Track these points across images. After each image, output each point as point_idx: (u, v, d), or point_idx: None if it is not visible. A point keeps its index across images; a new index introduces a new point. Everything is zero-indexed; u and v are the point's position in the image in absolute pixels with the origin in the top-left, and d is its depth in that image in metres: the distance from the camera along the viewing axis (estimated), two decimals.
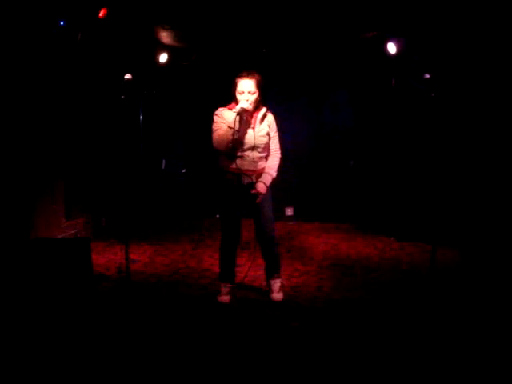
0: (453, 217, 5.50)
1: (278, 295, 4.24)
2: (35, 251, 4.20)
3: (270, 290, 4.28)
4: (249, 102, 3.97)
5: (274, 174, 4.13)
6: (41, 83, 5.11)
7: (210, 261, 5.40)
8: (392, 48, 6.16)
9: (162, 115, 7.65)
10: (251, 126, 4.06)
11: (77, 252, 4.24)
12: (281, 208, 7.48)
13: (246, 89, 3.99)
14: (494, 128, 5.17)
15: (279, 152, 4.19)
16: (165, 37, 6.50)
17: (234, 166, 4.03)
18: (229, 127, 3.90)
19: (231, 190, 4.08)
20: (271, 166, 4.12)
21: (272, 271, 4.28)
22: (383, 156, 6.93)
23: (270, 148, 4.15)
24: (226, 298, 4.21)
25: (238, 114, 3.91)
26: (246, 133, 4.02)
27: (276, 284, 4.27)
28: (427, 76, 4.22)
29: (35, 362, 3.12)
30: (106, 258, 5.44)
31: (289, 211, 7.54)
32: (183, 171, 8.00)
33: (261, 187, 4.02)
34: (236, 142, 3.94)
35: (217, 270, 4.98)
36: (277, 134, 4.19)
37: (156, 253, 5.74)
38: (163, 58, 6.93)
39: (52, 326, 3.61)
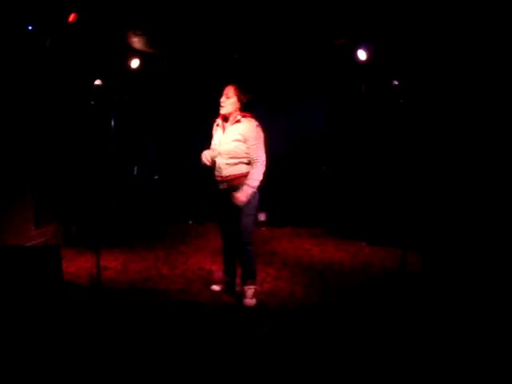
0: (420, 222, 5.59)
1: (250, 301, 4.26)
2: (3, 259, 4.12)
3: (242, 296, 4.30)
4: (222, 103, 4.23)
5: (254, 183, 4.12)
6: (9, 89, 5.03)
7: (183, 267, 5.38)
8: (362, 55, 6.25)
9: (134, 121, 7.60)
10: (221, 132, 4.28)
11: (46, 260, 4.16)
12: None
13: (225, 92, 4.27)
14: (461, 134, 5.28)
15: (260, 160, 4.14)
16: (136, 42, 6.47)
17: (213, 173, 4.32)
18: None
19: (213, 195, 4.40)
20: (250, 176, 4.13)
21: (246, 277, 4.33)
22: (355, 161, 7.01)
23: (250, 156, 4.14)
24: (216, 287, 4.58)
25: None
26: (215, 135, 4.35)
27: (249, 290, 4.30)
28: (396, 83, 4.29)
29: (2, 372, 3.06)
30: (76, 265, 5.36)
31: (261, 217, 7.55)
32: (155, 177, 7.95)
33: (237, 197, 4.10)
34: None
35: (189, 275, 5.00)
36: (257, 141, 4.15)
37: (128, 260, 5.68)
38: (135, 63, 6.89)
39: (21, 335, 3.54)
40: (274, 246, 6.38)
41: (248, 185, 4.10)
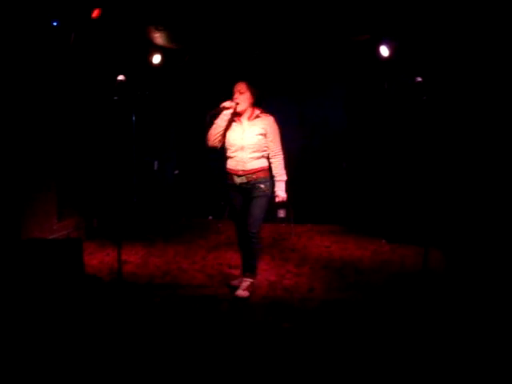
0: (442, 219, 5.53)
1: (242, 292, 4.31)
2: (27, 252, 4.19)
3: (238, 286, 4.39)
4: (236, 100, 4.25)
5: (284, 177, 4.36)
6: (34, 84, 5.10)
7: (202, 262, 5.40)
8: (385, 51, 6.19)
9: (155, 116, 7.65)
10: (241, 126, 4.28)
11: (68, 253, 4.22)
12: (273, 210, 7.49)
13: (237, 89, 4.29)
14: (485, 132, 5.21)
15: (280, 153, 4.34)
16: (158, 38, 6.50)
17: (228, 166, 4.38)
18: (215, 124, 4.29)
19: (228, 189, 4.41)
20: (277, 171, 4.34)
21: (246, 270, 4.43)
22: (376, 158, 6.96)
23: (270, 150, 4.31)
24: (235, 282, 4.54)
25: (221, 109, 4.23)
26: (232, 130, 4.30)
27: (245, 282, 4.37)
28: (419, 79, 4.26)
29: (27, 364, 3.11)
30: (98, 259, 5.42)
31: (281, 213, 7.55)
32: (176, 172, 8.00)
33: (278, 196, 4.33)
34: (219, 138, 4.29)
35: (209, 271, 5.02)
36: (277, 136, 4.33)
37: (148, 254, 5.73)
38: (156, 59, 6.93)
39: (44, 328, 3.59)
40: (293, 243, 6.37)
41: (280, 180, 4.32)
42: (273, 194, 4.36)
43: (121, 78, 4.19)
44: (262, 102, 4.42)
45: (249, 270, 4.41)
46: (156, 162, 7.77)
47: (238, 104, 4.25)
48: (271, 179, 4.34)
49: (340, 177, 7.55)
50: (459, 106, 5.53)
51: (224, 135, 4.31)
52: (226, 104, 4.23)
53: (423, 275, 4.24)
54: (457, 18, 5.15)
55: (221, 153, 4.46)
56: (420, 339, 3.49)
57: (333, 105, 7.54)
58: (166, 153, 7.92)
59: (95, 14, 5.11)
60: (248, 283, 4.35)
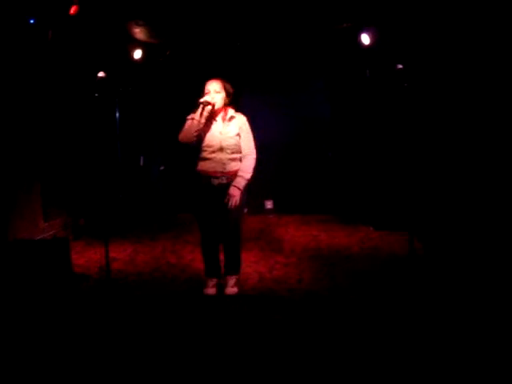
0: (423, 206, 5.58)
1: (232, 289, 4.24)
2: (14, 253, 4.17)
3: (224, 285, 4.29)
4: (213, 99, 4.07)
5: (248, 175, 4.11)
6: (14, 84, 5.05)
7: (190, 256, 5.41)
8: (366, 39, 6.20)
9: (139, 112, 7.61)
10: (218, 127, 4.13)
11: (56, 252, 4.21)
12: (260, 201, 7.51)
13: (212, 88, 4.12)
14: (467, 118, 5.25)
15: (253, 153, 4.17)
16: (138, 33, 6.45)
17: (203, 167, 4.16)
18: (194, 119, 4.03)
19: (202, 190, 4.17)
20: (244, 168, 4.11)
21: (230, 268, 4.29)
22: (360, 147, 6.99)
23: (242, 149, 4.15)
24: (212, 291, 4.26)
25: (201, 103, 4.02)
26: (209, 129, 4.11)
27: (231, 280, 4.27)
28: (400, 66, 4.27)
29: (16, 363, 3.10)
30: (85, 257, 5.40)
31: (268, 204, 7.57)
32: (161, 168, 7.97)
33: (233, 190, 4.04)
34: (197, 135, 4.04)
35: (197, 265, 5.01)
36: (249, 135, 4.19)
37: (136, 250, 5.72)
38: (137, 54, 6.88)
39: (34, 327, 3.58)
40: (281, 234, 6.40)
41: (243, 177, 4.08)
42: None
43: (101, 74, 4.15)
44: (236, 100, 4.28)
45: (232, 268, 4.28)
46: (142, 158, 7.75)
47: (215, 102, 4.08)
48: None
49: (326, 166, 7.58)
50: (440, 93, 5.57)
51: (201, 133, 4.10)
52: (207, 99, 4.06)
53: (409, 261, 4.28)
54: (437, 4, 5.17)
55: None
56: (408, 325, 3.53)
57: (316, 94, 7.56)
58: (151, 149, 7.88)
59: (73, 10, 5.06)
60: (234, 280, 4.28)
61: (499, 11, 4.65)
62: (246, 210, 7.23)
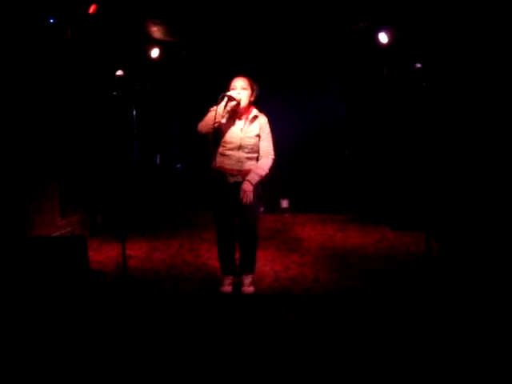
0: (439, 206, 5.52)
1: (248, 288, 4.25)
2: (32, 250, 4.21)
3: (241, 285, 4.29)
4: (240, 94, 4.02)
5: (263, 172, 4.09)
6: (33, 82, 5.10)
7: (207, 254, 5.42)
8: (383, 38, 6.16)
9: (156, 110, 7.64)
10: (240, 125, 4.09)
11: (73, 250, 4.25)
12: (276, 200, 7.50)
13: (239, 85, 4.07)
14: (485, 118, 5.18)
15: (272, 153, 4.15)
16: (156, 32, 6.48)
17: (220, 164, 4.13)
18: (214, 110, 3.97)
19: (218, 188, 4.15)
20: (261, 165, 4.10)
21: (246, 267, 4.30)
22: (377, 146, 6.95)
23: (261, 149, 4.13)
24: (228, 289, 4.28)
25: (225, 96, 3.96)
26: (230, 125, 4.07)
27: (247, 279, 4.28)
28: (418, 65, 4.24)
29: (35, 361, 3.14)
30: (102, 254, 5.45)
31: (284, 203, 7.56)
32: (178, 166, 8.00)
33: (245, 185, 4.01)
34: (213, 127, 3.99)
35: (214, 263, 5.02)
36: (270, 137, 4.16)
37: (153, 248, 5.75)
38: (155, 52, 6.91)
39: (51, 324, 3.62)
40: (297, 233, 6.39)
41: (258, 173, 4.06)
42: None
43: (119, 73, 4.18)
44: (258, 101, 4.21)
45: (249, 266, 4.29)
46: (158, 157, 7.78)
47: (240, 99, 4.01)
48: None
49: (342, 165, 7.54)
50: (459, 92, 5.51)
51: (220, 126, 4.03)
52: (233, 94, 3.97)
53: (426, 262, 4.24)
54: (455, 2, 5.12)
55: None
56: (423, 327, 3.50)
57: (333, 93, 7.52)
58: (168, 147, 7.92)
59: (92, 9, 5.10)
60: (250, 279, 4.29)
61: None
62: (262, 209, 7.25)
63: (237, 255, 4.36)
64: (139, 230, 6.52)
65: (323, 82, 7.52)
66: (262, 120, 4.15)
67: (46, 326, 3.59)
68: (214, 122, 3.97)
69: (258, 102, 4.22)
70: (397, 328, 3.50)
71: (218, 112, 3.96)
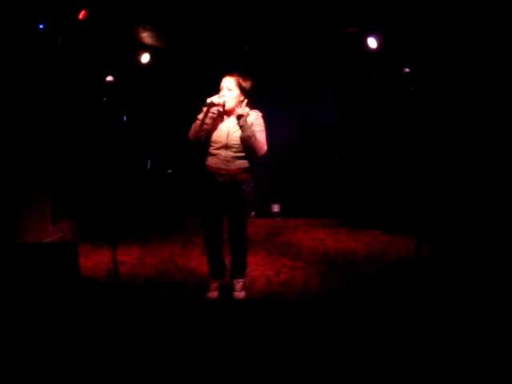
0: (431, 209, 5.56)
1: (239, 293, 4.25)
2: (22, 256, 4.19)
3: (232, 289, 4.29)
4: (224, 97, 3.98)
5: (255, 132, 3.98)
6: (23, 88, 5.09)
7: (199, 259, 5.41)
8: (372, 43, 6.20)
9: (146, 116, 7.64)
10: (228, 124, 4.06)
11: (64, 256, 4.23)
12: (267, 204, 7.51)
13: (225, 85, 4.04)
14: (474, 122, 5.23)
15: (265, 144, 4.09)
16: (146, 37, 6.48)
17: (208, 163, 4.13)
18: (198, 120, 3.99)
19: (206, 187, 4.15)
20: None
21: (237, 271, 4.31)
22: (368, 150, 6.98)
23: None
24: (213, 294, 4.25)
25: (205, 105, 3.95)
26: (216, 128, 4.05)
27: (239, 283, 4.29)
28: (407, 70, 4.28)
29: (25, 367, 3.12)
30: (93, 260, 5.43)
31: (275, 207, 7.56)
32: (169, 171, 7.99)
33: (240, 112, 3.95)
34: (203, 134, 4.00)
35: (206, 268, 5.00)
36: (262, 131, 4.09)
37: (144, 253, 5.74)
38: (145, 58, 6.91)
39: (41, 331, 3.60)
40: (288, 237, 6.40)
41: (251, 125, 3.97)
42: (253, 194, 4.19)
43: (109, 78, 4.18)
44: (255, 97, 4.12)
45: (240, 270, 4.30)
46: (149, 162, 7.77)
47: (224, 102, 3.98)
48: (253, 181, 4.18)
49: (333, 169, 7.56)
50: (447, 96, 5.56)
51: (209, 132, 4.04)
52: (214, 100, 3.94)
53: (415, 265, 4.27)
54: (444, 7, 5.17)
55: None
56: (414, 329, 3.52)
57: (323, 98, 7.54)
58: (158, 152, 7.91)
59: (82, 15, 5.10)
60: (241, 283, 4.30)
61: (508, 15, 4.64)
62: (253, 214, 7.25)
63: (228, 260, 4.36)
64: (130, 235, 6.50)
65: (313, 86, 7.55)
66: (252, 116, 4.06)
67: (35, 332, 3.58)
68: (201, 131, 4.00)
69: (254, 98, 4.11)
70: (387, 331, 3.52)
71: (202, 121, 3.98)
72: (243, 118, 3.94)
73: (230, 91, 4.02)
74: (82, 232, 6.30)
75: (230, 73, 4.08)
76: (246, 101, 4.05)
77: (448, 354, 3.14)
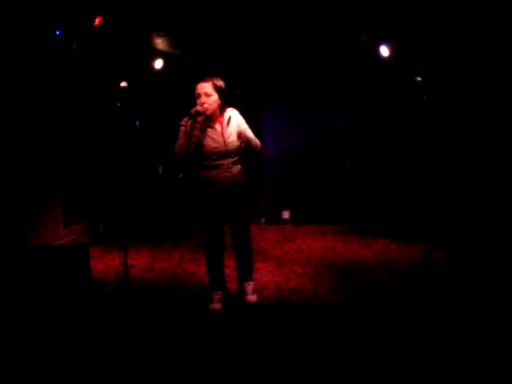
0: (445, 217, 5.55)
1: (252, 297, 4.25)
2: (34, 258, 4.24)
3: (243, 293, 4.29)
4: (205, 104, 3.94)
5: (251, 134, 4.10)
6: (38, 92, 5.16)
7: None
8: (385, 51, 6.21)
9: (159, 121, 7.70)
10: (220, 133, 4.02)
11: (75, 258, 4.28)
12: (277, 211, 7.53)
13: (202, 91, 3.99)
14: (485, 130, 5.22)
15: (257, 140, 4.17)
16: (160, 43, 6.55)
17: (210, 175, 4.06)
18: (187, 133, 3.95)
19: (209, 198, 4.11)
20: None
21: (245, 274, 4.31)
22: (378, 158, 6.98)
23: (250, 138, 4.09)
24: (217, 306, 4.14)
25: (191, 117, 3.93)
26: (206, 137, 3.99)
27: (249, 286, 4.29)
28: (419, 79, 4.29)
29: (36, 368, 3.15)
30: (104, 263, 5.48)
31: (285, 214, 7.58)
32: (180, 176, 8.04)
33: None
34: (192, 147, 3.94)
35: None
36: (247, 127, 4.12)
37: (154, 258, 5.78)
38: (158, 64, 6.97)
39: (52, 333, 3.64)
40: (298, 244, 6.40)
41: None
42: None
43: (123, 84, 4.22)
44: (228, 94, 4.09)
45: (248, 272, 4.31)
46: (160, 167, 7.82)
47: (207, 107, 3.93)
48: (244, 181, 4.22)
49: (343, 177, 7.57)
50: (459, 105, 5.55)
51: (198, 143, 3.97)
52: (199, 109, 3.89)
53: (425, 274, 4.25)
54: (456, 16, 5.17)
55: None
56: (424, 339, 3.51)
57: (334, 105, 7.56)
58: (170, 157, 7.95)
59: (97, 22, 5.18)
60: (252, 286, 4.31)
61: None
62: (263, 220, 7.28)
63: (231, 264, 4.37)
64: (141, 239, 6.54)
65: (325, 94, 7.57)
66: (234, 116, 4.06)
67: (46, 334, 3.61)
68: (191, 143, 3.93)
69: (227, 95, 4.09)
70: (397, 339, 3.51)
71: (191, 133, 3.92)
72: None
73: (209, 97, 3.97)
74: (94, 235, 6.36)
75: (203, 79, 4.04)
76: (228, 109, 4.10)
77: (458, 363, 3.13)
